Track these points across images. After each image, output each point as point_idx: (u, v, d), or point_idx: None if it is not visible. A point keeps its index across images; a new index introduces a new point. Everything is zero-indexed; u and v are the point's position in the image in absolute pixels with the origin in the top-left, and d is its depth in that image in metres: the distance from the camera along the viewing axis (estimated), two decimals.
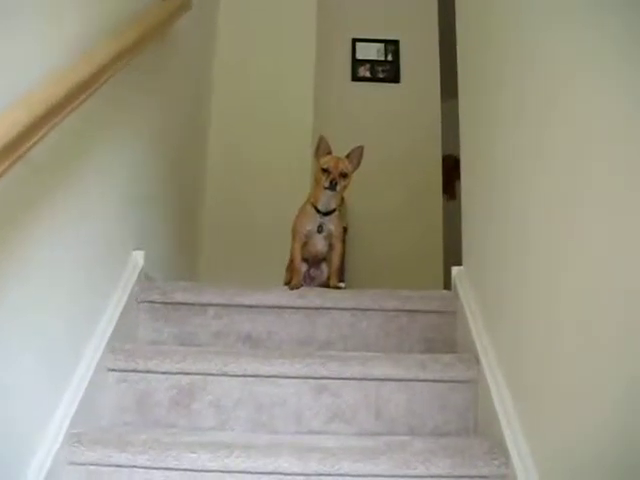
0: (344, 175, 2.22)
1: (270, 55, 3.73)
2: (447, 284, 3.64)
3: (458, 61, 2.26)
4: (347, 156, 2.26)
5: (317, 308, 2.04)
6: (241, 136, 3.59)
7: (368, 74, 4.20)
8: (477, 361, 1.77)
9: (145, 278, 2.13)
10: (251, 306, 2.04)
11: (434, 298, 2.06)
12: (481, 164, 2.00)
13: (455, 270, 2.13)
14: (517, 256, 1.60)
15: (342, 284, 2.27)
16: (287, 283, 2.25)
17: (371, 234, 3.78)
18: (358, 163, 2.27)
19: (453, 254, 3.89)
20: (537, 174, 1.46)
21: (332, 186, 2.19)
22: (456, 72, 4.17)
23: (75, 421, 1.53)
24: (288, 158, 3.55)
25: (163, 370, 1.76)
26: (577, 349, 1.22)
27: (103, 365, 1.75)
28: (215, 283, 2.24)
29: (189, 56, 3.01)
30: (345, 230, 2.46)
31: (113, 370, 1.77)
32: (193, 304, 2.05)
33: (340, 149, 3.70)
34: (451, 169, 4.34)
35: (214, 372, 1.75)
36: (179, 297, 2.06)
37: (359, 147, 2.27)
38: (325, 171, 2.22)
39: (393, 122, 4.08)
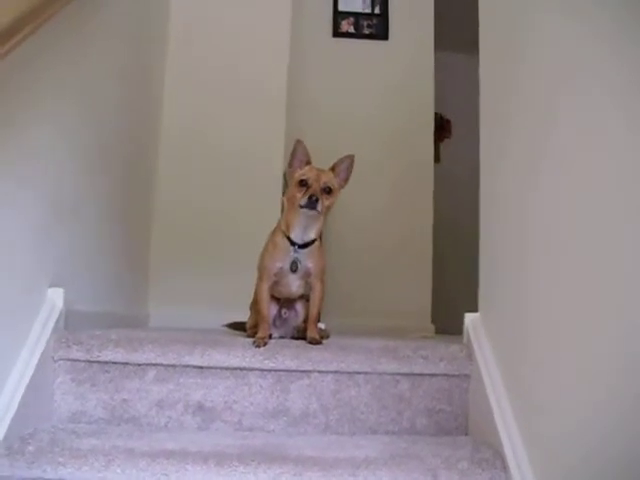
0: (328, 191, 1.70)
1: (238, 6, 3.10)
2: (436, 248, 3.46)
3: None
4: (332, 168, 1.74)
5: (291, 371, 1.57)
6: (200, 112, 3.01)
7: (352, 29, 3.61)
8: (503, 463, 1.32)
9: (65, 326, 1.63)
10: (203, 367, 1.57)
11: (443, 358, 1.60)
12: (506, 183, 1.51)
13: (469, 318, 1.67)
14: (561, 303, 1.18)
15: (322, 326, 1.79)
16: (252, 329, 1.77)
17: (358, 209, 3.28)
18: (346, 178, 1.75)
19: (443, 222, 3.66)
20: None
21: (311, 203, 1.65)
22: (452, 24, 3.64)
23: None
24: (257, 143, 3.00)
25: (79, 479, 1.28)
26: None
27: None
28: (161, 329, 1.74)
29: (133, 10, 2.40)
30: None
31: (10, 478, 1.28)
32: (127, 363, 1.58)
33: (318, 123, 3.27)
34: (436, 129, 3.87)
35: None
36: (109, 354, 1.58)
37: (348, 157, 1.74)
38: (302, 185, 1.69)
39: (380, 86, 3.55)
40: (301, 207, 1.67)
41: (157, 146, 2.96)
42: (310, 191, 1.66)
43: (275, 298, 1.80)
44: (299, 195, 1.68)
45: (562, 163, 1.21)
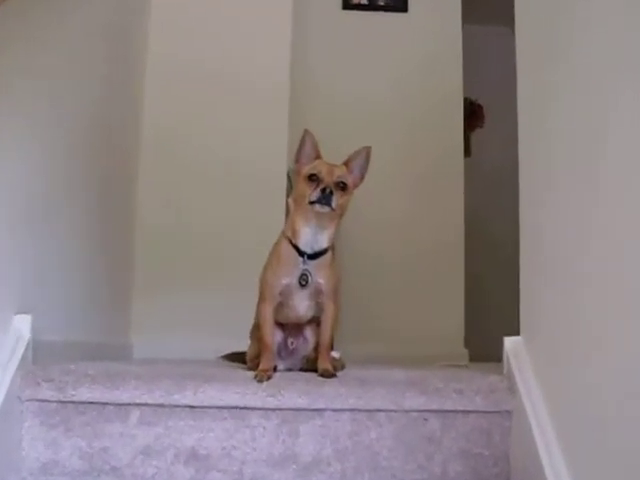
0: (342, 187, 1.72)
1: None
2: (468, 259, 3.45)
3: None
4: (345, 164, 1.77)
5: (300, 410, 1.57)
6: (187, 105, 3.04)
7: (365, 0, 3.61)
8: None
9: (34, 360, 1.65)
10: (196, 407, 1.58)
11: (479, 391, 1.60)
12: (554, 178, 1.51)
13: (509, 343, 1.67)
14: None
15: (336, 355, 1.80)
16: (253, 360, 1.79)
17: (374, 213, 3.31)
18: (362, 175, 1.77)
19: (476, 228, 3.65)
20: None
21: (325, 197, 1.67)
22: None
23: None
24: (256, 138, 3.02)
25: None
26: None
27: None
28: (147, 361, 1.77)
29: None
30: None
31: None
32: (107, 404, 1.58)
33: (326, 112, 3.28)
34: (466, 116, 3.89)
35: None
36: (85, 393, 1.58)
37: (363, 149, 1.77)
38: (313, 179, 1.71)
39: (399, 67, 3.58)
40: (312, 203, 1.68)
41: (139, 148, 2.99)
42: (323, 184, 1.68)
43: (280, 324, 1.81)
44: (309, 191, 1.69)
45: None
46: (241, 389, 1.58)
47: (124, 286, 2.81)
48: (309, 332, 1.82)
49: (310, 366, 1.80)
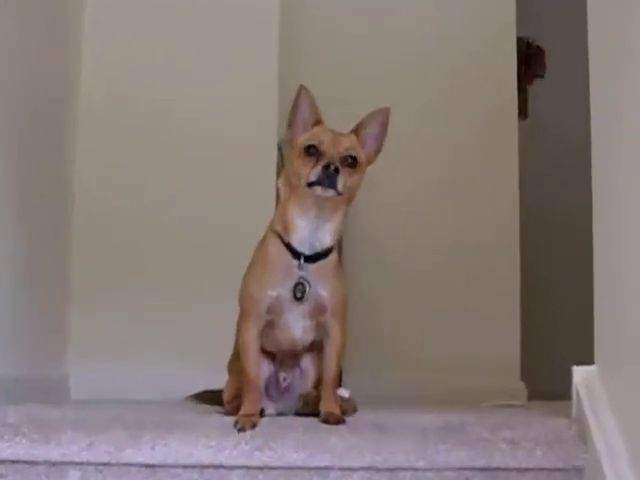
0: (351, 163, 1.74)
1: None
2: (525, 255, 3.42)
3: None
4: (355, 131, 1.79)
5: (296, 468, 1.58)
6: (142, 59, 3.10)
7: None
8: None
9: None
10: (156, 466, 1.60)
11: (539, 440, 1.61)
12: None
13: (580, 374, 1.70)
14: None
15: (345, 393, 1.82)
16: (232, 402, 1.82)
17: (396, 199, 3.34)
18: (378, 148, 1.81)
19: (531, 209, 3.63)
20: None
21: (328, 177, 1.68)
22: None
23: None
24: (234, 101, 3.08)
25: None
26: None
27: None
28: (89, 403, 1.78)
29: None
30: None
31: None
32: (35, 462, 1.60)
33: (329, 65, 3.26)
34: (521, 63, 3.91)
35: None
36: (5, 449, 1.60)
37: (380, 112, 1.80)
38: (311, 153, 1.73)
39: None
40: (310, 185, 1.70)
41: (75, 120, 3.02)
42: (325, 159, 1.69)
43: (269, 353, 1.83)
44: (306, 168, 1.71)
45: None
46: (216, 441, 1.59)
47: (56, 298, 2.83)
48: (308, 362, 1.85)
49: (310, 409, 1.82)
